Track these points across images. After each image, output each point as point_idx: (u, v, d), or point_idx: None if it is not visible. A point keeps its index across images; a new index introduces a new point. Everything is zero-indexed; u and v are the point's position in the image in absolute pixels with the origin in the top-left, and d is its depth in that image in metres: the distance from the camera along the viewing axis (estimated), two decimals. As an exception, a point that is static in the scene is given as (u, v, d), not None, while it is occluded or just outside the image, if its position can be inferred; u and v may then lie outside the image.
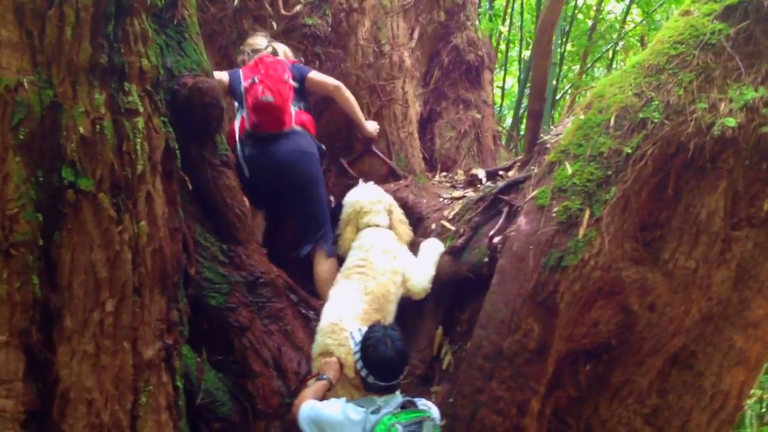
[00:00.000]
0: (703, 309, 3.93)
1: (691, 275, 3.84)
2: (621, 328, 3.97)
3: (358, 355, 3.28)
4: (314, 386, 3.52)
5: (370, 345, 3.22)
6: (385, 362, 3.18)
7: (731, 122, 3.59)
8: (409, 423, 3.04)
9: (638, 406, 4.08)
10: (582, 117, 4.01)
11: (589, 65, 10.39)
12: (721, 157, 3.70)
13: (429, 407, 3.26)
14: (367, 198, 4.52)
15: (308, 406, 3.27)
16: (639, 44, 9.92)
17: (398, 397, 3.21)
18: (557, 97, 9.39)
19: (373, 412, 3.08)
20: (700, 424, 4.04)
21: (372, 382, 3.21)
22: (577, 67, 10.60)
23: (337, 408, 3.19)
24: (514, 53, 10.50)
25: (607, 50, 10.26)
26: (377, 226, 4.44)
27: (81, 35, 2.94)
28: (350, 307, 3.96)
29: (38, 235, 2.94)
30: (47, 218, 2.97)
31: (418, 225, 4.81)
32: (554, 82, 8.50)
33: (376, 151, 5.05)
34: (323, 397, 3.45)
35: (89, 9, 2.94)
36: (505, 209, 4.32)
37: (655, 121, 3.72)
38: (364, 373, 3.22)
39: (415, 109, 5.46)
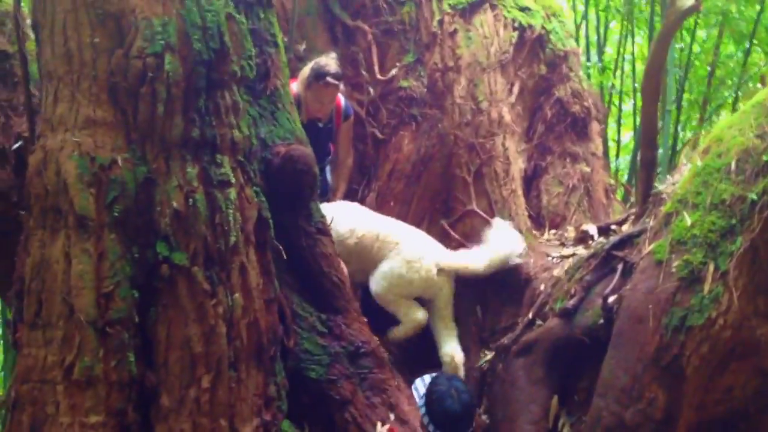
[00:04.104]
0: None
1: (834, 330, 3.45)
2: (759, 394, 3.63)
3: (423, 410, 3.15)
4: None
5: (435, 399, 3.09)
6: (452, 416, 3.06)
7: None
8: None
9: (778, 478, 3.68)
10: (700, 163, 3.77)
11: (709, 113, 9.92)
12: None
13: None
14: None
15: None
16: (759, 85, 9.39)
17: None
18: (677, 147, 8.99)
19: None
20: None
21: None
22: (698, 116, 10.16)
23: None
24: (629, 106, 10.21)
25: (728, 96, 9.79)
26: None
27: (173, 111, 3.01)
28: None
29: (134, 312, 2.95)
30: (143, 295, 2.99)
31: (526, 286, 4.62)
32: (672, 129, 8.13)
33: (478, 210, 4.92)
34: None
35: (180, 85, 3.01)
36: (620, 266, 4.09)
37: (781, 163, 3.42)
38: (430, 428, 3.09)
39: (518, 165, 5.32)
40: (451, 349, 4.62)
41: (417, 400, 3.22)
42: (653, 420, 3.51)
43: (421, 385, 3.25)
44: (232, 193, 3.14)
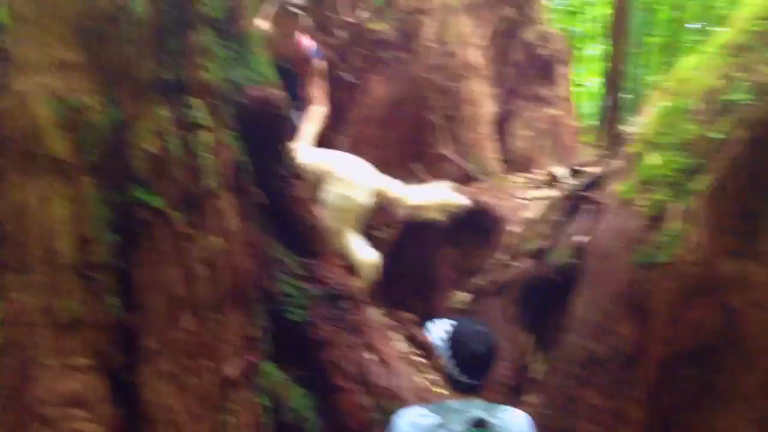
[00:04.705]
0: (813, 305, 3.65)
1: (796, 268, 3.57)
2: (724, 328, 3.72)
3: (448, 353, 3.06)
4: None
5: (461, 342, 3.03)
6: (479, 358, 3.00)
7: (827, 97, 3.34)
8: None
9: (749, 411, 3.81)
10: (665, 104, 3.82)
11: (674, 56, 10.01)
12: (817, 138, 3.44)
13: (506, 430, 2.95)
14: None
15: None
16: (721, 28, 9.48)
17: (478, 403, 3.00)
18: (643, 90, 9.10)
19: (444, 427, 2.89)
20: (813, 427, 3.76)
21: (463, 380, 3.01)
22: (662, 59, 10.24)
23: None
24: (595, 51, 10.24)
25: (692, 40, 9.86)
26: None
27: (143, 52, 2.96)
28: None
29: (114, 255, 2.95)
30: (123, 239, 2.98)
31: (499, 228, 4.68)
32: (637, 73, 8.22)
33: (449, 154, 4.95)
34: None
35: (149, 25, 2.96)
36: (589, 207, 4.17)
37: (745, 102, 3.49)
38: (455, 372, 3.02)
39: (488, 109, 5.34)
40: (367, 253, 4.73)
41: (436, 343, 3.13)
42: (623, 354, 3.60)
43: (435, 329, 3.17)
44: (207, 136, 3.10)
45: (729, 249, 3.63)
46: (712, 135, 3.53)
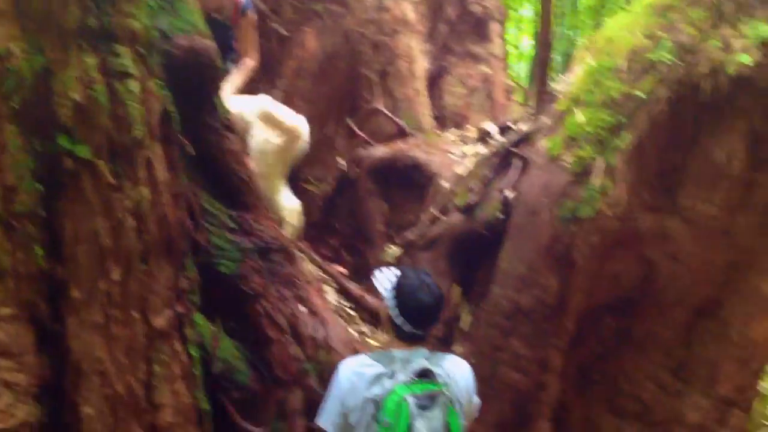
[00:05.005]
0: (727, 256, 3.84)
1: (712, 221, 3.74)
2: (642, 280, 3.91)
3: (392, 302, 3.01)
4: None
5: (406, 292, 2.97)
6: (425, 308, 2.97)
7: (746, 59, 3.45)
8: (423, 396, 2.81)
9: (664, 358, 4.02)
10: (592, 63, 3.89)
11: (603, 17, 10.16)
12: (738, 97, 3.56)
13: (450, 379, 2.96)
14: None
15: None
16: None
17: (422, 352, 2.99)
18: (573, 50, 9.22)
19: (388, 376, 2.87)
20: (728, 374, 3.97)
21: (407, 330, 2.96)
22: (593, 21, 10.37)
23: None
24: (528, 11, 10.31)
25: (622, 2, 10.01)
26: None
27: (67, -1, 2.86)
28: None
29: (39, 205, 2.89)
30: (48, 188, 2.92)
31: (430, 183, 4.73)
32: (568, 33, 8.33)
33: (383, 109, 4.97)
34: None
35: (73, -32, 2.85)
36: (517, 162, 4.24)
37: (668, 62, 3.59)
38: (399, 320, 2.96)
39: (422, 65, 5.36)
40: (292, 201, 4.81)
41: (382, 292, 3.07)
42: (547, 305, 3.71)
43: (382, 277, 3.11)
44: (134, 85, 3.03)
45: (649, 204, 3.77)
46: (635, 93, 3.62)
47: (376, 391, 2.84)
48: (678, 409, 3.97)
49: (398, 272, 3.09)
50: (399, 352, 2.96)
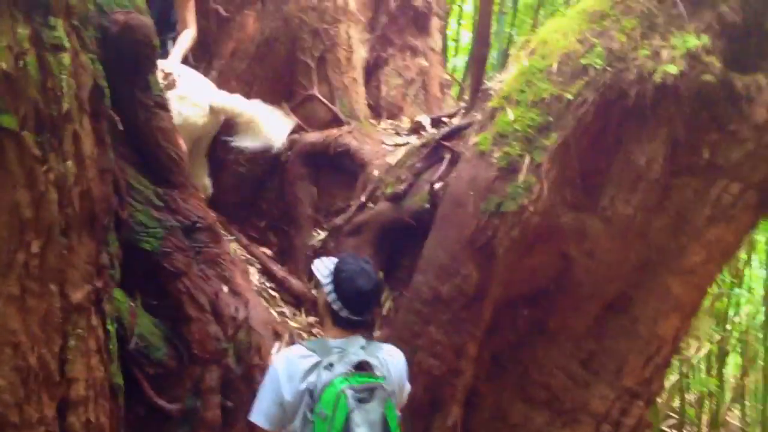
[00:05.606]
0: (640, 255, 3.97)
1: (629, 222, 3.87)
2: (559, 274, 4.02)
3: (330, 287, 3.01)
4: None
5: (344, 278, 2.97)
6: (363, 295, 2.96)
7: (672, 69, 3.59)
8: (361, 389, 2.80)
9: (575, 350, 4.14)
10: (525, 63, 3.98)
11: (541, 18, 10.32)
12: (662, 105, 3.69)
13: (386, 370, 2.98)
14: None
15: None
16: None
17: (359, 341, 3.01)
18: (510, 49, 9.36)
19: (325, 367, 2.85)
20: (635, 368, 4.10)
21: (345, 316, 2.97)
22: (531, 20, 10.52)
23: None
24: (469, 6, 10.40)
25: (560, 3, 10.20)
26: None
27: (0, -36, 2.79)
28: None
29: (-41, 173, 2.82)
30: (-32, 157, 2.85)
31: (361, 171, 4.78)
32: (507, 31, 8.45)
33: (319, 96, 4.98)
34: None
35: (7, -65, 2.79)
36: (447, 156, 4.32)
37: (597, 67, 3.71)
38: (337, 306, 2.96)
39: (361, 54, 5.40)
40: (207, 181, 4.89)
41: (321, 279, 3.06)
42: (466, 295, 3.78)
43: (321, 266, 3.12)
44: (66, 58, 2.98)
45: (570, 202, 3.88)
46: (564, 95, 3.71)
47: (312, 381, 2.83)
48: (585, 398, 4.08)
49: (336, 259, 3.09)
50: (335, 341, 2.97)
